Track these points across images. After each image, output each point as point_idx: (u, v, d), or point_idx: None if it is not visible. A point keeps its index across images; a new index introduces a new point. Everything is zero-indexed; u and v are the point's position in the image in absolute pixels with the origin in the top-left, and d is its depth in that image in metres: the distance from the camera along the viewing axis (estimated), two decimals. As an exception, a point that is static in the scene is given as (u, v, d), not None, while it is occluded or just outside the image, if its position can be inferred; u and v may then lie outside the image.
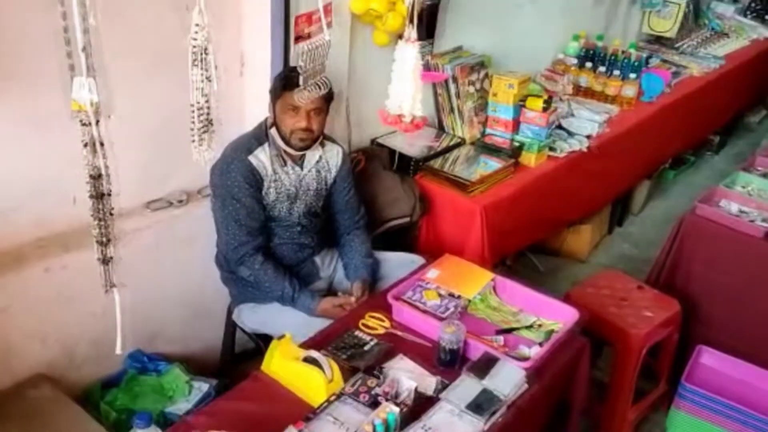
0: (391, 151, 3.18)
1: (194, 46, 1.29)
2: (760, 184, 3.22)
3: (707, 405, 2.82)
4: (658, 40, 5.01)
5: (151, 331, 2.80)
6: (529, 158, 3.33)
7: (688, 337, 3.04)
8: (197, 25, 1.28)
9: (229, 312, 2.81)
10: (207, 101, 1.35)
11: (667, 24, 4.82)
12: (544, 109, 3.30)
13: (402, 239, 3.12)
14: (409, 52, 1.65)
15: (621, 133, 3.81)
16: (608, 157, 3.75)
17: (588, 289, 2.99)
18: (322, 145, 2.66)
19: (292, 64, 2.64)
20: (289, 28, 2.62)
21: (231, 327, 2.84)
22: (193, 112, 1.37)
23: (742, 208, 3.05)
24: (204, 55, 1.30)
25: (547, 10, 4.01)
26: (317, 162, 2.65)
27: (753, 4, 5.66)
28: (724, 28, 5.36)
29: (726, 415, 2.78)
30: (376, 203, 3.03)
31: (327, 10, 1.79)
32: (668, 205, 4.84)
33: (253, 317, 2.66)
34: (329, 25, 1.72)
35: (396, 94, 1.67)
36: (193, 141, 1.39)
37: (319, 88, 1.77)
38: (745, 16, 5.61)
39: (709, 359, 2.97)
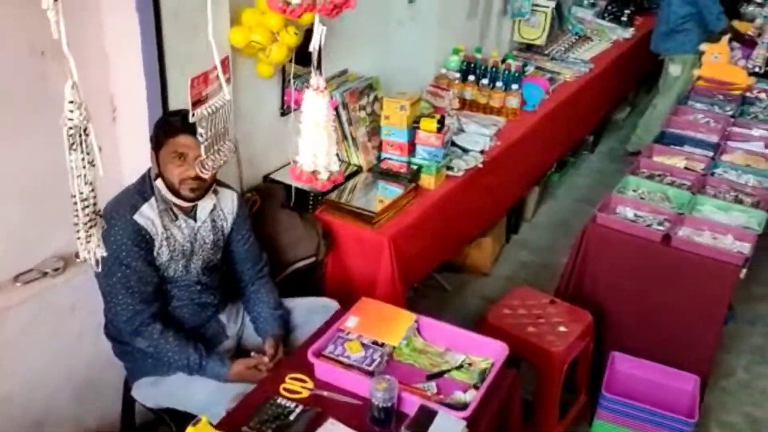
0: (287, 187, 2.99)
1: (70, 128, 1.06)
2: (648, 186, 3.31)
3: (627, 412, 2.85)
4: (529, 48, 5.12)
5: (33, 420, 2.46)
6: (428, 180, 3.25)
7: (602, 345, 3.07)
8: (71, 102, 1.05)
9: (126, 386, 2.51)
10: (92, 190, 1.12)
11: (536, 32, 4.93)
12: (439, 130, 3.23)
13: (308, 281, 2.93)
14: (319, 103, 1.48)
15: (511, 143, 3.82)
16: (502, 168, 3.75)
17: (504, 311, 2.95)
18: (215, 192, 2.43)
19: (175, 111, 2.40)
20: (164, 60, 2.38)
21: (129, 404, 2.54)
22: (75, 204, 1.13)
23: (637, 213, 3.11)
24: (83, 137, 1.07)
25: (426, 25, 3.97)
26: (212, 211, 2.42)
27: (609, 7, 5.93)
28: (586, 31, 5.57)
29: (645, 420, 2.83)
30: (278, 246, 2.83)
31: (225, 65, 1.59)
32: (557, 207, 4.95)
33: (156, 392, 2.38)
34: (228, 81, 1.52)
35: (308, 149, 1.49)
36: (79, 238, 1.15)
37: (224, 155, 1.57)
38: (603, 18, 5.87)
39: (624, 365, 3.01)
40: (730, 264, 2.82)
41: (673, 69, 5.26)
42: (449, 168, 3.37)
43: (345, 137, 3.25)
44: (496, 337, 2.34)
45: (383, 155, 3.30)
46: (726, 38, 4.76)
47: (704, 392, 3.05)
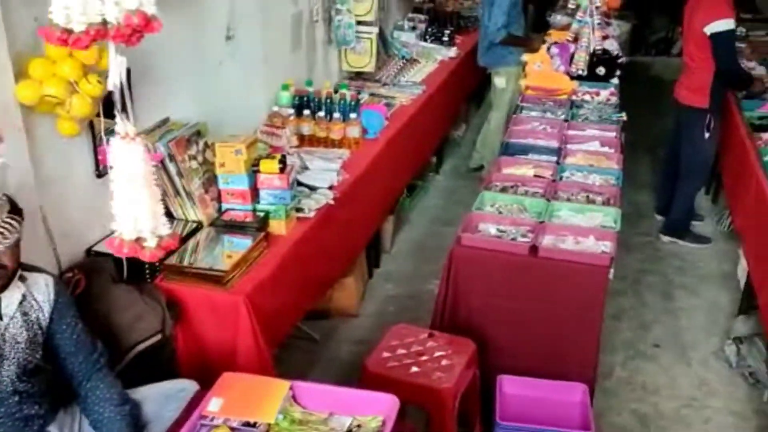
0: (117, 259, 2.57)
1: None
2: (504, 199, 3.24)
3: (525, 437, 2.70)
4: (359, 75, 5.01)
5: None
6: (278, 226, 2.96)
7: (488, 370, 2.91)
8: None
9: None
10: None
11: (364, 60, 4.82)
12: (281, 170, 2.95)
13: (157, 362, 2.52)
14: (131, 154, 1.16)
15: (359, 175, 3.63)
16: (354, 202, 3.55)
17: (383, 354, 2.71)
18: (23, 279, 2.00)
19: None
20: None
21: None
22: None
23: (500, 228, 3.02)
24: None
25: (249, 63, 3.69)
26: (21, 303, 1.98)
27: (429, 29, 5.99)
28: (412, 54, 5.56)
29: (543, 440, 2.70)
30: (115, 328, 2.40)
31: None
32: (414, 233, 4.83)
33: None
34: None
35: (126, 212, 1.16)
36: None
37: (8, 232, 1.20)
38: (426, 40, 5.92)
39: (513, 387, 2.87)
40: (598, 266, 2.78)
41: (498, 81, 5.38)
42: (299, 210, 3.11)
43: (177, 192, 2.88)
44: (379, 386, 2.11)
45: (224, 206, 2.98)
46: (545, 47, 4.93)
47: (593, 398, 2.98)
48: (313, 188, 3.33)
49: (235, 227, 2.89)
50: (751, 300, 3.73)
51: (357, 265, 3.99)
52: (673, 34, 8.86)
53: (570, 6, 4.48)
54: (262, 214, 2.93)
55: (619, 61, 4.88)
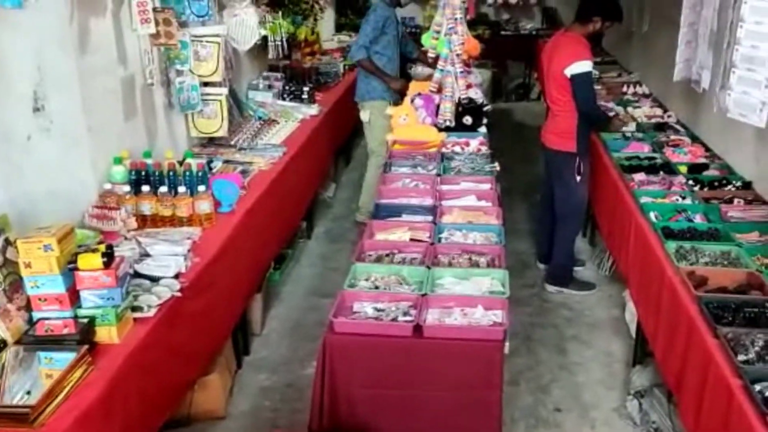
0: None
1: None
2: (380, 271, 2.86)
3: None
4: (212, 141, 4.54)
5: None
6: (108, 334, 2.42)
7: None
8: None
9: None
10: None
11: (214, 124, 4.35)
12: (107, 264, 2.42)
13: None
14: None
15: (213, 256, 3.14)
16: (209, 288, 3.07)
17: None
18: None
19: None
20: None
21: None
22: None
23: (377, 306, 2.62)
24: None
25: (69, 135, 3.13)
26: None
27: (287, 87, 5.65)
28: (270, 115, 5.18)
29: None
30: None
31: None
32: (287, 309, 4.36)
33: None
34: None
35: None
36: None
37: None
38: (284, 99, 5.57)
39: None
40: (491, 341, 2.44)
41: (363, 116, 5.35)
42: (136, 309, 2.57)
43: (-30, 306, 2.27)
44: None
45: (36, 315, 2.39)
46: (408, 99, 4.70)
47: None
48: (154, 279, 2.81)
49: (52, 341, 2.31)
50: (645, 347, 3.55)
51: (222, 358, 3.46)
52: (529, 80, 9.08)
53: (430, 56, 4.25)
54: (85, 321, 2.37)
55: (485, 109, 4.73)
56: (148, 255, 2.99)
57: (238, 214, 3.55)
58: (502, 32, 8.96)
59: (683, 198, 3.54)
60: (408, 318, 2.51)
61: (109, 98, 3.47)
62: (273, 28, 5.37)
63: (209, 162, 4.12)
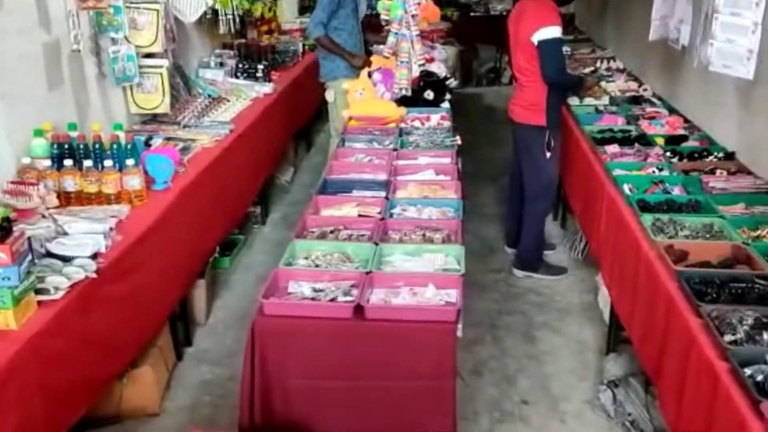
0: None
1: None
2: (322, 248, 2.56)
3: None
4: (156, 118, 4.20)
5: None
6: (3, 319, 2.09)
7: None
8: None
9: None
10: None
11: (155, 99, 4.02)
12: (2, 238, 2.10)
13: None
14: None
15: (141, 235, 2.83)
16: (135, 272, 2.75)
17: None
18: None
19: None
20: None
21: None
22: None
23: (316, 286, 2.31)
24: None
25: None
26: None
27: (240, 66, 5.31)
28: (220, 93, 4.84)
29: None
30: None
31: None
32: (235, 298, 4.03)
33: None
34: None
35: None
36: None
37: None
38: (237, 77, 5.23)
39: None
40: (442, 323, 2.15)
41: (328, 95, 5.05)
42: (41, 291, 2.25)
43: None
44: None
45: None
46: (365, 72, 4.40)
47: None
48: (67, 259, 2.48)
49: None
50: (619, 334, 3.29)
51: (156, 349, 3.13)
52: (500, 63, 8.82)
53: (384, 18, 3.91)
54: (-27, 305, 2.05)
55: (448, 82, 4.44)
56: (64, 234, 2.67)
57: (174, 192, 3.23)
58: (472, 14, 8.68)
59: (660, 170, 3.28)
60: (348, 298, 2.21)
61: (28, 64, 3.13)
62: (224, 1, 5.07)
63: (148, 139, 3.80)
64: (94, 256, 2.55)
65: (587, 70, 5.20)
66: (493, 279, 4.23)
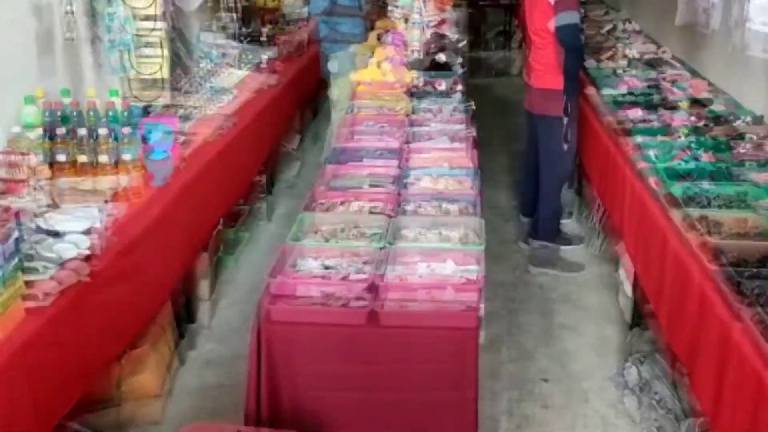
0: None
1: None
2: (332, 221, 2.38)
3: None
4: (156, 84, 3.99)
5: None
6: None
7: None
8: None
9: None
10: None
11: (154, 64, 3.81)
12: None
13: None
14: None
15: (139, 209, 2.67)
16: (134, 252, 2.57)
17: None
18: None
19: None
20: None
21: None
22: None
23: (326, 263, 2.15)
24: None
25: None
26: None
27: (243, 29, 5.09)
28: (224, 58, 4.62)
29: None
30: None
31: None
32: (241, 298, 3.69)
33: None
34: None
35: None
36: None
37: None
38: (241, 42, 5.01)
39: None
40: (462, 329, 1.98)
41: (331, 65, 4.56)
42: (30, 270, 2.10)
43: None
44: None
45: None
46: (374, 35, 4.19)
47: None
48: (59, 235, 2.32)
49: None
50: (643, 307, 3.13)
51: (156, 327, 2.99)
52: (510, 26, 8.55)
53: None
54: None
55: (461, 45, 4.23)
56: (57, 207, 2.51)
57: (173, 187, 3.00)
58: (480, -24, 8.38)
59: (686, 135, 3.09)
60: (361, 276, 2.04)
61: (17, 27, 2.95)
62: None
63: (147, 107, 3.63)
64: (88, 232, 2.39)
65: (604, 30, 4.96)
66: (507, 250, 4.07)
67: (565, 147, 3.87)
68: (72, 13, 3.13)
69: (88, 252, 2.28)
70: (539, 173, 4.04)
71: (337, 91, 4.53)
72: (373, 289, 2.00)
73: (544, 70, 3.79)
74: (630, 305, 3.24)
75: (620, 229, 3.37)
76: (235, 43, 4.93)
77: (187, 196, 3.11)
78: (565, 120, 3.80)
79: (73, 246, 2.27)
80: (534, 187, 4.11)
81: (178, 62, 4.27)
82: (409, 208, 2.52)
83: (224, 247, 3.90)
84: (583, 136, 4.05)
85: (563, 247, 4.03)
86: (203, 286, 3.57)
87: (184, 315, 3.34)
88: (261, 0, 5.58)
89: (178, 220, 3.03)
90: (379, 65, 3.97)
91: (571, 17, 3.59)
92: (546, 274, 3.86)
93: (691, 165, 2.82)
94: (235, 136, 3.77)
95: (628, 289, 3.37)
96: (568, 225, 4.28)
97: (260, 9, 5.70)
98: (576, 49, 3.69)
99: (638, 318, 3.16)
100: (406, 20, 3.71)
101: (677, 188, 2.62)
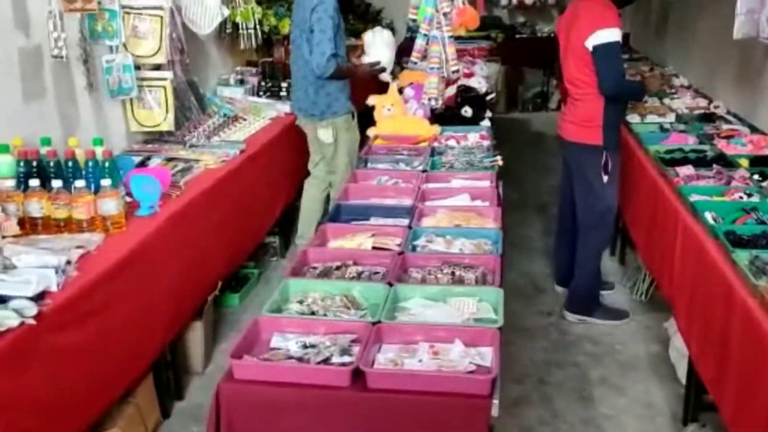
0: None
1: None
2: (321, 290, 2.00)
3: None
4: (162, 138, 3.76)
5: None
6: None
7: None
8: None
9: None
10: None
11: (157, 115, 3.58)
12: None
13: None
14: None
15: (106, 271, 2.33)
16: (98, 315, 2.25)
17: None
18: None
19: None
20: None
21: None
22: None
23: (307, 341, 1.76)
24: None
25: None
26: None
27: (264, 84, 4.88)
28: (237, 112, 4.38)
29: None
30: None
31: None
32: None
33: None
34: None
35: None
36: None
37: None
38: (259, 96, 4.79)
39: None
40: (470, 397, 1.56)
41: (324, 135, 4.00)
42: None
43: None
44: None
45: None
46: (395, 85, 3.88)
47: None
48: (3, 300, 1.99)
49: None
50: (700, 398, 2.64)
51: (131, 406, 2.61)
52: (548, 87, 8.25)
53: (411, 18, 3.30)
54: None
55: (489, 98, 3.89)
56: (12, 267, 2.19)
57: (160, 218, 2.74)
58: (517, 35, 8.13)
59: (749, 195, 2.65)
60: (346, 359, 1.65)
61: (3, 72, 2.72)
62: (245, 14, 4.66)
63: (146, 159, 3.36)
64: (40, 297, 2.06)
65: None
66: (540, 324, 3.61)
67: (606, 201, 3.46)
68: (61, 57, 2.88)
69: (33, 322, 1.94)
70: (577, 234, 3.62)
71: (330, 137, 4.01)
72: (358, 374, 1.60)
73: (581, 123, 3.41)
74: (683, 396, 2.74)
75: (671, 301, 2.91)
76: (252, 98, 4.71)
77: (174, 253, 2.80)
78: (605, 178, 3.40)
79: (15, 315, 1.93)
80: (570, 253, 3.68)
81: (188, 116, 4.05)
82: (417, 274, 2.12)
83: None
84: (626, 195, 3.63)
85: (603, 322, 3.56)
86: (196, 357, 3.23)
87: (171, 391, 2.98)
88: (285, 28, 5.22)
89: (162, 279, 2.70)
90: (397, 118, 3.65)
91: (611, 35, 3.16)
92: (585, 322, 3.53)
93: (757, 229, 2.37)
94: (239, 190, 3.48)
95: (681, 372, 2.88)
96: (609, 297, 3.80)
97: (283, 38, 5.34)
98: (616, 79, 3.23)
99: (695, 411, 2.66)
100: (424, 58, 3.37)
101: (742, 255, 2.18)
